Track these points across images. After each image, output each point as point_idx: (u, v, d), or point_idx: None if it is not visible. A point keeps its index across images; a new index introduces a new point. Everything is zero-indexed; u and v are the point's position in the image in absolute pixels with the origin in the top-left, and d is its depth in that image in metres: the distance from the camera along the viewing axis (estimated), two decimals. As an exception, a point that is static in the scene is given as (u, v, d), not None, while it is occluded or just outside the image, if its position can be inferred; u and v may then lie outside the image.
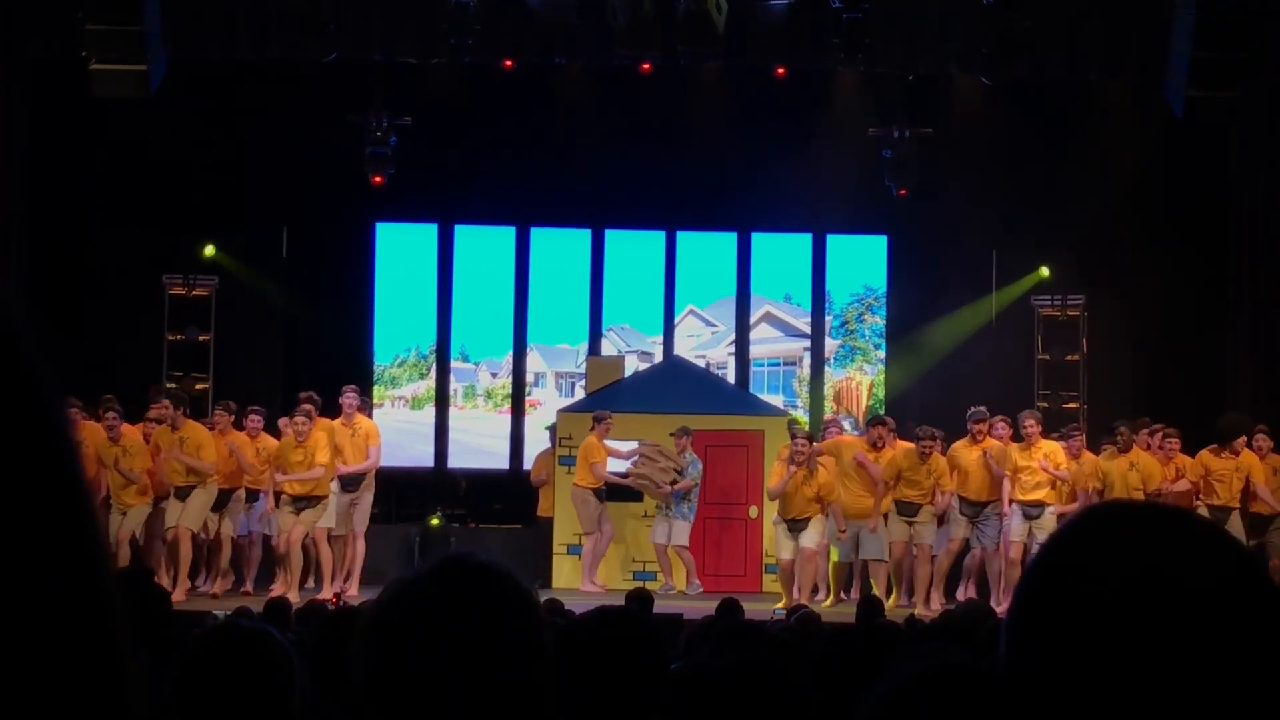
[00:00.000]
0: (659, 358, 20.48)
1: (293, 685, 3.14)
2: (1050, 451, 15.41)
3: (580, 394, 19.44)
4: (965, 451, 15.65)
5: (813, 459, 15.40)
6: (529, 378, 20.95)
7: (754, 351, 21.00)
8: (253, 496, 16.00)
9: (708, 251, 20.96)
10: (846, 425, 20.35)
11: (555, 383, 21.02)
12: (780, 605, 14.50)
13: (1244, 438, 15.36)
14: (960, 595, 15.45)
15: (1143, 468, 15.37)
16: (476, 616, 1.88)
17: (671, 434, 16.60)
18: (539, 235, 20.77)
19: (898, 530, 15.56)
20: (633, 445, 16.92)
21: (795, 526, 15.46)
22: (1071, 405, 18.73)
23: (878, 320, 21.08)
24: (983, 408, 16.05)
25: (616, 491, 16.93)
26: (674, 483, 16.39)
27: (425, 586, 1.91)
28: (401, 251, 20.80)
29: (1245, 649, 1.34)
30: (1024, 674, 1.39)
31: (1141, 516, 1.42)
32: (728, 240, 20.82)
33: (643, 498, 16.78)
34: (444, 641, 1.86)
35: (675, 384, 18.11)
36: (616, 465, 17.15)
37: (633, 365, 20.03)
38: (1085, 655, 1.35)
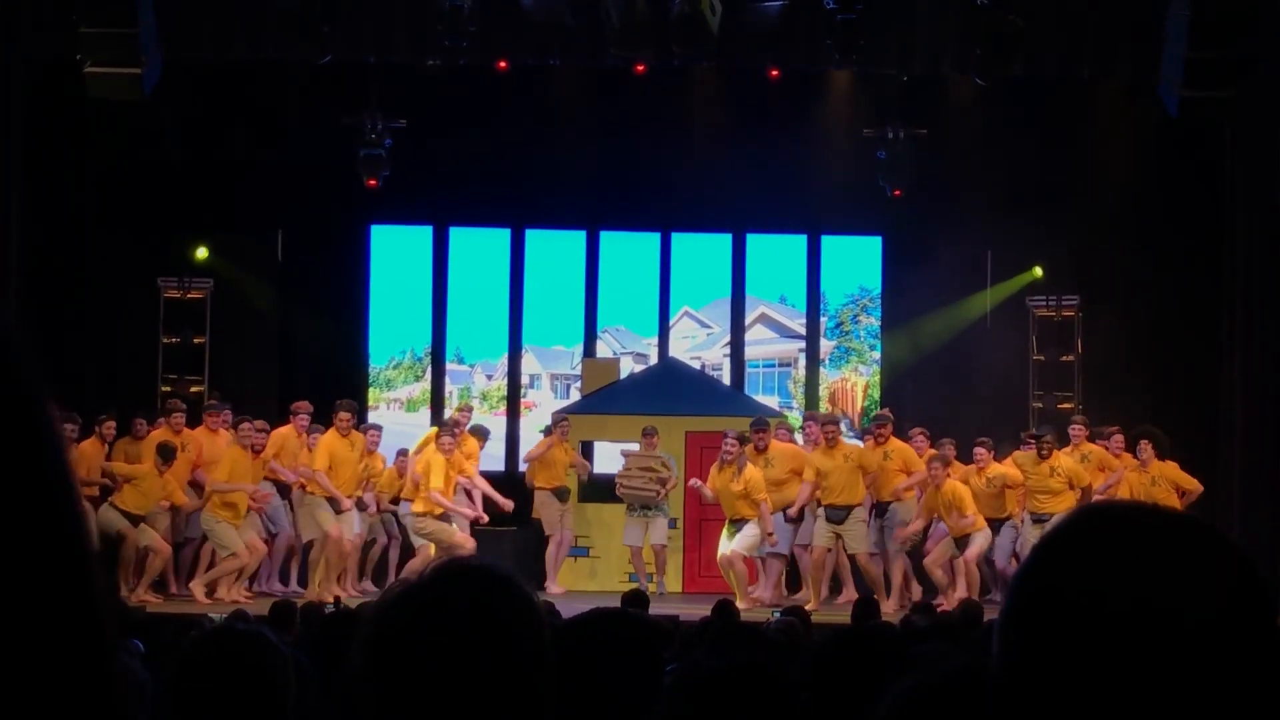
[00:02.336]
0: (654, 359, 20.48)
1: (288, 688, 3.14)
2: (996, 475, 15.82)
3: (576, 396, 19.45)
4: (870, 455, 15.97)
5: (741, 459, 15.61)
6: (524, 379, 20.95)
7: (749, 353, 20.99)
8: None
9: (702, 253, 20.95)
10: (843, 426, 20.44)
11: (551, 384, 21.01)
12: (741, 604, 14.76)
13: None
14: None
15: (1064, 471, 15.65)
16: (479, 620, 1.88)
17: (643, 433, 16.72)
18: (534, 237, 20.75)
19: (822, 535, 15.82)
20: (624, 447, 16.97)
21: (733, 527, 15.79)
22: (1066, 406, 18.74)
23: (873, 321, 21.08)
24: (886, 411, 17.02)
25: (612, 494, 16.93)
26: (665, 481, 16.47)
27: (428, 590, 1.92)
28: (396, 254, 20.79)
29: (1233, 670, 1.33)
30: (1012, 680, 1.38)
31: (1135, 521, 1.41)
32: (722, 242, 20.81)
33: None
34: (446, 645, 1.87)
35: (671, 386, 18.13)
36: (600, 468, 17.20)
37: (628, 367, 20.04)
38: (1070, 667, 1.34)
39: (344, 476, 15.92)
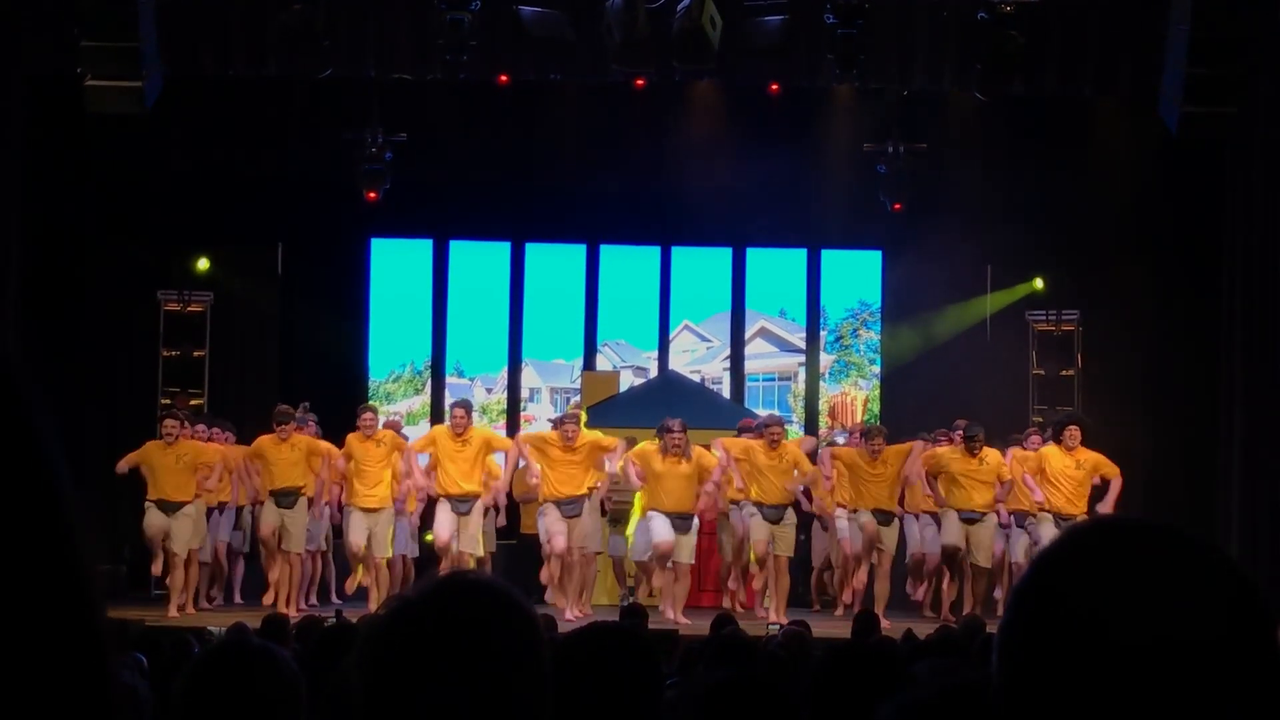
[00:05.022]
0: (654, 373, 20.49)
1: (300, 705, 3.13)
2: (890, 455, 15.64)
3: (575, 409, 19.46)
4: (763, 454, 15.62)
5: (686, 447, 15.28)
6: (524, 393, 20.95)
7: (749, 367, 21.00)
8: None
9: (702, 267, 20.98)
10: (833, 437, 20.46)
11: (550, 398, 21.01)
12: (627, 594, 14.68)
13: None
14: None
15: (992, 463, 15.57)
16: (475, 635, 1.88)
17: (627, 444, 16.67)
18: (534, 250, 20.77)
19: (760, 532, 15.40)
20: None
21: (680, 524, 15.30)
22: (1067, 420, 18.74)
23: (872, 335, 21.09)
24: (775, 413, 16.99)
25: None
26: None
27: (424, 605, 1.92)
28: (397, 267, 20.80)
29: (1233, 688, 1.33)
30: (1011, 696, 1.38)
31: (1135, 536, 1.40)
32: (723, 255, 20.84)
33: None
34: (443, 660, 1.87)
35: (670, 399, 18.12)
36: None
37: (628, 380, 20.04)
38: (1069, 682, 1.34)
39: (452, 475, 15.13)
